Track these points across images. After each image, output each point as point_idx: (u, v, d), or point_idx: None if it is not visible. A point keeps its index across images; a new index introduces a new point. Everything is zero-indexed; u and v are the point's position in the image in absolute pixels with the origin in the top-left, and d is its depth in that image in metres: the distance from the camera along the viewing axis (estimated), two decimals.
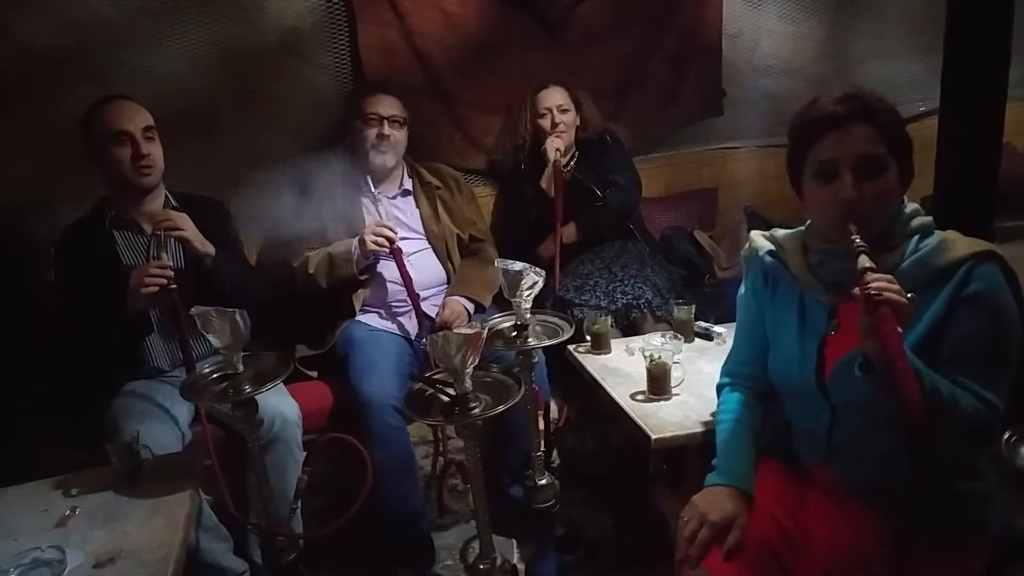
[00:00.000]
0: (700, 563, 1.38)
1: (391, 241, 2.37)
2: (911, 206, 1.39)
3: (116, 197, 2.19)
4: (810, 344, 1.44)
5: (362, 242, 2.39)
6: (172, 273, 1.96)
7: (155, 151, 2.14)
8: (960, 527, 1.37)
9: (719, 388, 1.69)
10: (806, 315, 1.47)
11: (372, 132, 2.57)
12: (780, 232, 1.54)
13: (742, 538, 1.39)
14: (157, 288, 1.93)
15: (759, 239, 1.55)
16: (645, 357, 1.88)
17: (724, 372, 1.70)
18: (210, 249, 2.12)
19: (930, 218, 1.38)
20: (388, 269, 2.53)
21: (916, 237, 1.35)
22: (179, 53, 2.59)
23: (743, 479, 1.47)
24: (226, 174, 2.64)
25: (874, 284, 1.17)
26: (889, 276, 1.20)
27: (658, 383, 1.87)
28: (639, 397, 1.89)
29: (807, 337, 1.45)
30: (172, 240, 2.07)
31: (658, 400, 1.86)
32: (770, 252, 1.51)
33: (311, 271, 2.47)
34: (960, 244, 1.33)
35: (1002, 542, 1.40)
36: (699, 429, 1.73)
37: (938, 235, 1.36)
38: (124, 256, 2.18)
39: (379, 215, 2.47)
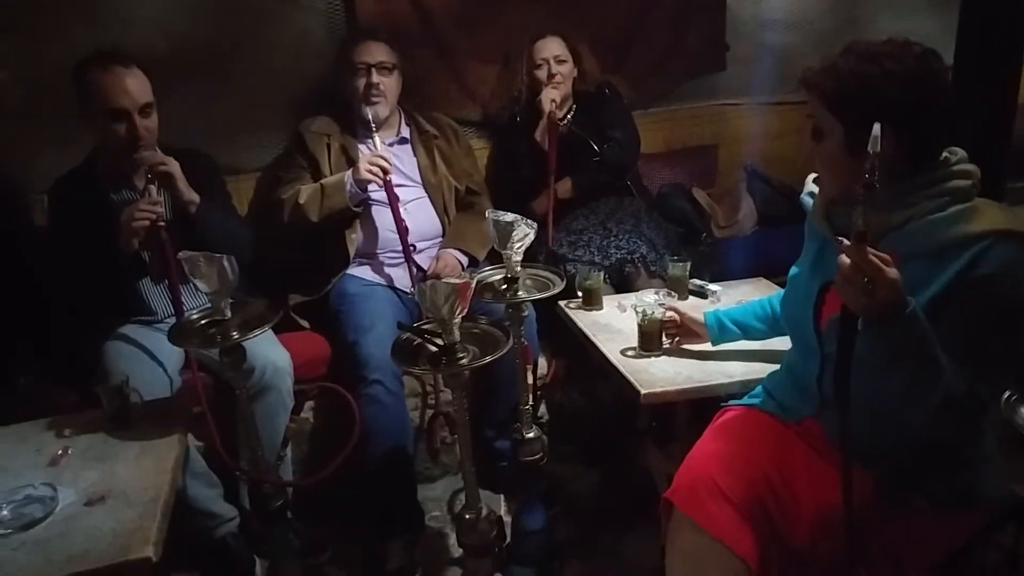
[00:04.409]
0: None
1: (385, 172, 2.34)
2: (958, 166, 1.27)
3: (106, 153, 2.13)
4: (813, 286, 1.43)
5: (356, 170, 2.36)
6: (162, 210, 1.95)
7: (152, 126, 2.05)
8: (953, 492, 1.36)
9: None
10: (824, 259, 1.46)
11: (361, 82, 2.50)
12: None
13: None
14: (147, 222, 1.92)
15: (810, 180, 1.64)
16: (637, 313, 1.87)
17: None
18: (194, 197, 2.08)
19: (969, 182, 1.25)
20: (382, 216, 2.50)
21: (946, 199, 1.23)
22: None
23: (720, 316, 1.80)
24: (216, 122, 2.60)
25: (841, 258, 1.11)
26: (862, 258, 1.08)
27: (649, 339, 1.86)
28: (629, 353, 1.88)
29: (815, 279, 1.44)
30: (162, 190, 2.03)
31: (649, 356, 1.86)
32: (810, 193, 1.60)
33: (301, 201, 2.43)
34: (985, 217, 1.19)
35: (991, 508, 1.40)
36: (689, 385, 1.73)
37: (972, 203, 1.23)
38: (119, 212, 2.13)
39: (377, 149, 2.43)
